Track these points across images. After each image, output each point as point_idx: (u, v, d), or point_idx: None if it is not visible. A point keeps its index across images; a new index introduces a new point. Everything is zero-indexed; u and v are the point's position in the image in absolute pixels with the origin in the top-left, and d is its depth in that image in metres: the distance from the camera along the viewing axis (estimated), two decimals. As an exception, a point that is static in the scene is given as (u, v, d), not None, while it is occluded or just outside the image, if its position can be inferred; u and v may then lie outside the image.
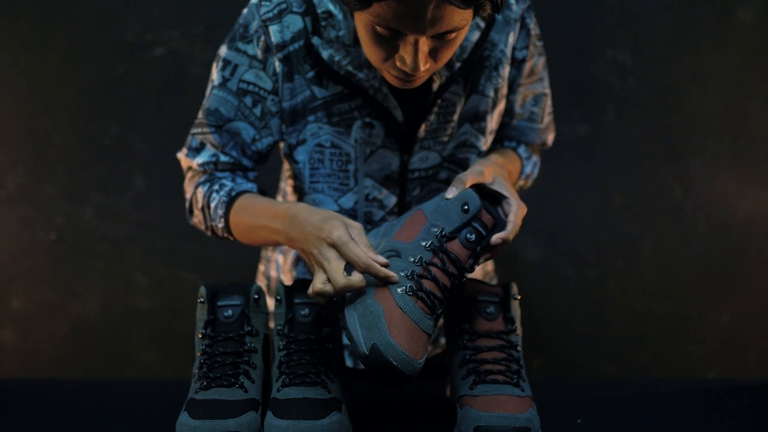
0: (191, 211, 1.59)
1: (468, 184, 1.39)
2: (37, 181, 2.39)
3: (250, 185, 1.56)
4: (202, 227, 1.58)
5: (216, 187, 1.53)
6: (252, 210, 1.48)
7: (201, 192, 1.54)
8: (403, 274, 1.29)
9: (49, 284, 2.46)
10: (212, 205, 1.52)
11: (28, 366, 2.48)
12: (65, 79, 2.35)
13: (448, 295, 1.32)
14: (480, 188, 1.42)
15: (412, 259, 1.31)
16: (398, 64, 1.35)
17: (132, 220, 2.43)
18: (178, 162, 1.63)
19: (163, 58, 2.35)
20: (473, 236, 1.33)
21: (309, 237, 1.33)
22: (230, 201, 1.51)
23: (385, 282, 1.29)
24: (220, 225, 1.52)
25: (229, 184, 1.54)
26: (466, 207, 1.33)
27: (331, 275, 1.29)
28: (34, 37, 2.32)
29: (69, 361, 2.49)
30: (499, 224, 1.37)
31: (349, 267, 1.30)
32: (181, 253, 2.45)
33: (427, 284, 1.29)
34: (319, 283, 1.30)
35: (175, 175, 1.63)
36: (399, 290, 1.28)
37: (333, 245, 1.30)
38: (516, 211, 1.40)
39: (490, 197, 1.43)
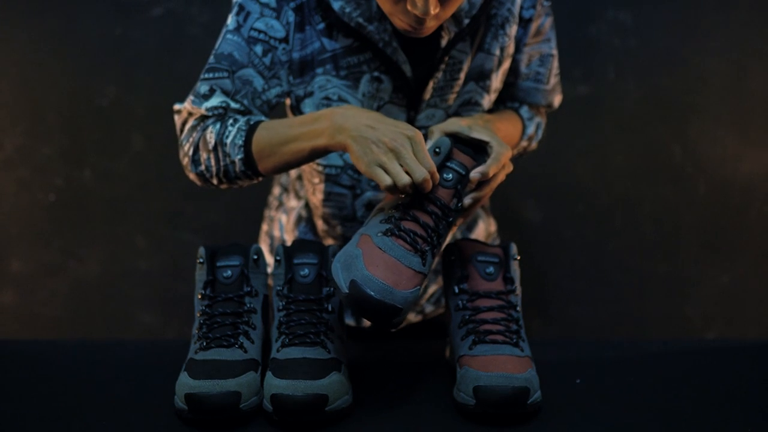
0: (196, 159, 1.50)
1: (437, 134, 1.40)
2: (35, 143, 2.39)
3: (264, 117, 1.51)
4: (213, 172, 1.49)
5: (230, 122, 1.47)
6: (281, 125, 1.43)
7: (212, 131, 1.47)
8: (382, 222, 1.33)
9: (49, 246, 2.46)
10: (228, 141, 1.45)
11: (28, 327, 2.49)
12: (63, 40, 2.33)
13: (434, 233, 1.33)
14: (460, 138, 1.42)
15: (392, 208, 1.34)
16: (409, 7, 1.35)
17: (131, 181, 2.42)
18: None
19: (161, 19, 2.33)
20: (450, 175, 1.35)
21: (382, 127, 1.32)
22: (251, 128, 1.45)
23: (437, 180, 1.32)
24: (239, 157, 1.45)
25: (242, 117, 1.48)
26: (437, 150, 1.36)
27: (421, 157, 1.30)
28: (30, -2, 2.31)
29: (69, 322, 2.50)
30: (480, 163, 1.39)
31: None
32: (181, 214, 2.45)
33: (405, 224, 1.32)
34: (401, 173, 1.29)
35: (174, 135, 1.62)
36: (378, 234, 1.31)
37: (410, 139, 1.31)
38: (496, 149, 1.39)
39: (474, 147, 1.43)
